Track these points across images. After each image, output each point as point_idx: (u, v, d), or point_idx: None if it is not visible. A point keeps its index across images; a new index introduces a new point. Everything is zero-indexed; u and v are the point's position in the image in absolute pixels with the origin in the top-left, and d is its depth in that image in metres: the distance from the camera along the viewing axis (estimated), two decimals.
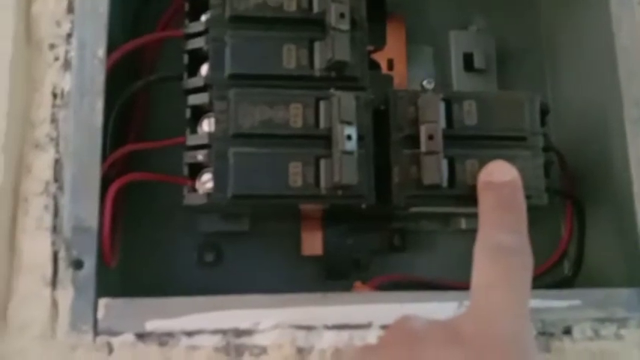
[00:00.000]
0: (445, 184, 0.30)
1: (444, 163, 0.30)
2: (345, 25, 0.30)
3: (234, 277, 0.38)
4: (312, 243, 0.38)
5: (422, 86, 0.43)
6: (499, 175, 0.23)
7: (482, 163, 0.30)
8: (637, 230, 0.32)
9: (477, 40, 0.42)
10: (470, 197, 0.30)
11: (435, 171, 0.29)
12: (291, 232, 0.38)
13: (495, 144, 0.31)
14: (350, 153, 0.29)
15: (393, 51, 0.41)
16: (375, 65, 0.40)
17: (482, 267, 0.21)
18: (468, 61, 0.41)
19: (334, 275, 0.37)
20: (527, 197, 0.31)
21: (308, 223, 0.38)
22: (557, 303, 0.30)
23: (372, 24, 0.40)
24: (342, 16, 0.30)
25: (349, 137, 0.29)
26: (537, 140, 0.32)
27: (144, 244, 0.37)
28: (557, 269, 0.41)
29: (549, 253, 0.40)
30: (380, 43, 0.40)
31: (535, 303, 0.29)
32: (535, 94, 0.32)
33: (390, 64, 0.41)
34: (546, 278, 0.40)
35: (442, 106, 0.31)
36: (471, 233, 0.40)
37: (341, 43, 0.30)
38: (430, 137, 0.29)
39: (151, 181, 0.34)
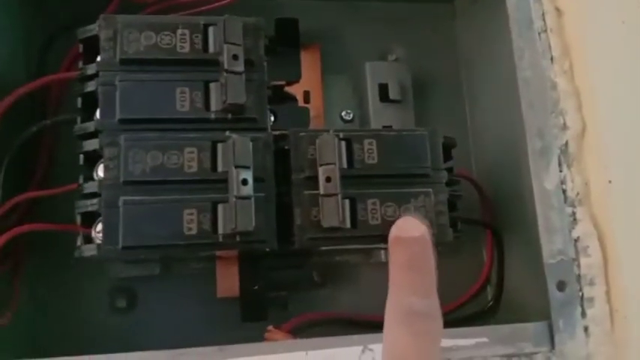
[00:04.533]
0: (347, 225, 0.29)
1: (345, 204, 0.29)
2: (239, 67, 0.29)
3: (150, 322, 0.37)
4: (228, 284, 0.36)
5: (341, 117, 0.44)
6: (408, 231, 0.22)
7: (384, 201, 0.30)
8: (542, 263, 0.32)
9: (393, 70, 0.42)
10: (372, 237, 0.30)
11: (334, 213, 0.29)
12: (206, 273, 0.37)
13: (397, 182, 0.31)
14: (246, 198, 0.28)
15: (308, 82, 0.41)
16: (291, 98, 0.39)
17: (393, 333, 0.21)
18: (383, 92, 0.40)
19: (250, 317, 0.36)
20: (432, 234, 0.30)
21: (223, 264, 0.37)
22: (464, 341, 0.30)
23: (285, 57, 0.40)
24: (235, 57, 0.29)
25: (244, 182, 0.28)
26: (440, 176, 0.32)
27: (52, 294, 0.36)
28: (481, 297, 0.41)
29: (474, 282, 0.41)
30: (294, 76, 0.39)
31: (442, 343, 0.29)
32: (436, 129, 0.32)
33: (307, 97, 0.41)
34: (471, 306, 0.40)
35: (343, 145, 0.30)
36: None
37: (235, 85, 0.29)
38: (328, 179, 0.29)
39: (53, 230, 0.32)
